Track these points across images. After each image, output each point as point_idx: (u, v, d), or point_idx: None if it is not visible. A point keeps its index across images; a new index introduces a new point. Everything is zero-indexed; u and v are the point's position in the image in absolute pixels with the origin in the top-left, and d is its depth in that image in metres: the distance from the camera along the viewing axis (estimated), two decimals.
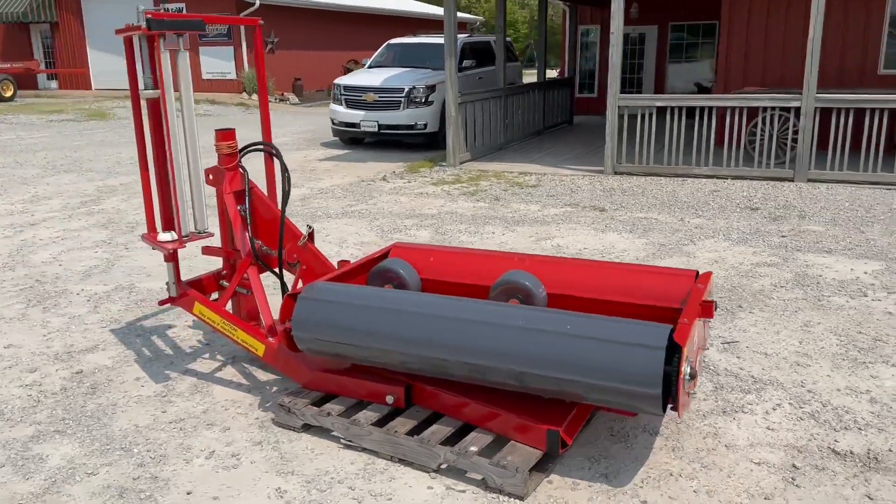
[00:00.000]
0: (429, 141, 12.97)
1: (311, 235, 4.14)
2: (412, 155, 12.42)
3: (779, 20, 11.57)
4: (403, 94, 12.67)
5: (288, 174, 3.84)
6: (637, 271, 3.68)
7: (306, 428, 3.49)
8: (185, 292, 3.91)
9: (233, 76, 24.01)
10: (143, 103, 3.74)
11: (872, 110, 8.92)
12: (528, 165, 11.04)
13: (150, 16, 3.39)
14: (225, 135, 3.91)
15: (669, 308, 3.47)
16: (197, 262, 5.76)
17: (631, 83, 18.82)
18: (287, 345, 3.44)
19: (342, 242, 6.90)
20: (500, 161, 11.45)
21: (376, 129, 12.89)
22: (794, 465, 3.16)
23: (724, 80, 12.03)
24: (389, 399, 3.42)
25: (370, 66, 14.49)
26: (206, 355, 4.41)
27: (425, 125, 12.75)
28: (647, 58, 18.58)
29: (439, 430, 3.23)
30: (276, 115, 19.43)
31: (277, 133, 15.26)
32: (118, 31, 3.65)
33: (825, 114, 9.23)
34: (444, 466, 3.14)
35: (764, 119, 9.51)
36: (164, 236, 3.73)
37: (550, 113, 15.30)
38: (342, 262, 3.97)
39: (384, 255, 4.10)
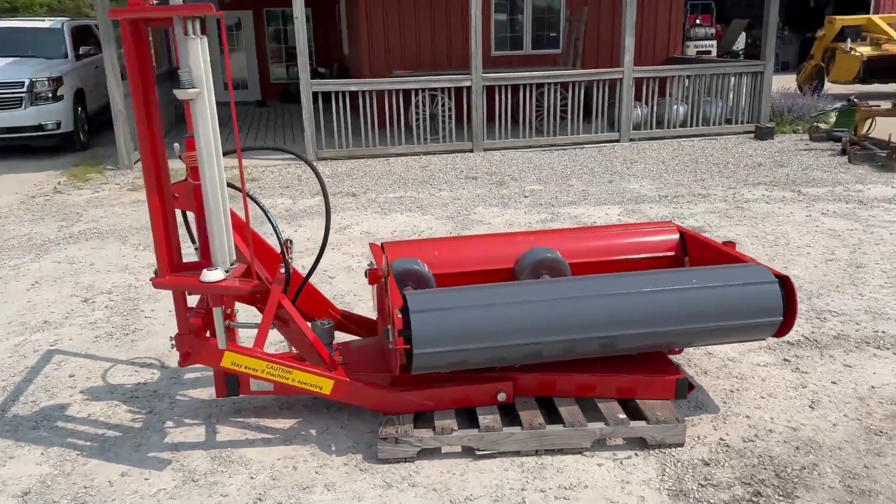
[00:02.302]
0: (63, 143, 10.98)
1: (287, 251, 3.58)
2: (52, 161, 10.40)
3: (409, 10, 12.71)
4: (25, 89, 10.45)
5: (323, 183, 3.25)
6: (628, 229, 4.10)
7: (419, 454, 3.13)
8: (210, 342, 3.04)
9: None
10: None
11: (525, 86, 10.62)
12: None
13: None
14: (192, 143, 3.13)
15: (668, 256, 4.01)
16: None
17: None
18: (401, 369, 3.01)
19: (126, 269, 5.74)
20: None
21: None
22: (785, 360, 4.02)
23: (370, 66, 12.78)
24: (501, 396, 3.28)
25: None
26: (169, 423, 3.46)
27: (58, 124, 10.73)
28: (246, 44, 18.34)
29: (573, 410, 3.26)
30: None
31: None
32: (118, 12, 2.60)
33: (489, 90, 10.64)
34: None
35: (420, 100, 10.51)
36: (212, 276, 2.81)
37: None
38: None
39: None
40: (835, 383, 3.75)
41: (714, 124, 11.40)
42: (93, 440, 3.31)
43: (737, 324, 3.24)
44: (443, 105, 10.54)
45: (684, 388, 3.37)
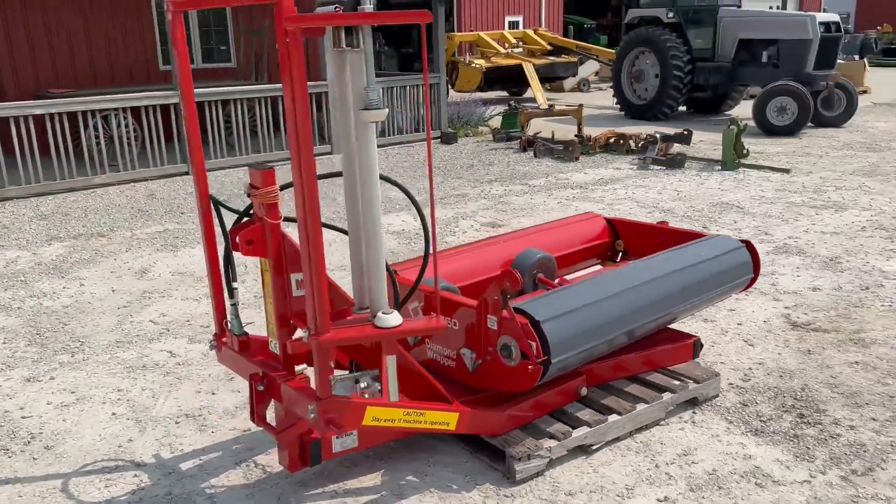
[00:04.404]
0: None
1: None
2: None
3: (61, 17, 10.96)
4: None
5: (420, 211, 2.82)
6: (571, 223, 4.41)
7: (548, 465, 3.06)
8: (353, 400, 2.48)
9: None
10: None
11: (238, 101, 10.02)
12: None
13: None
14: (269, 175, 2.64)
15: (604, 242, 4.45)
16: None
17: None
18: (535, 382, 2.89)
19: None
20: None
21: None
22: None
23: (17, 85, 10.69)
24: (583, 391, 3.34)
25: None
26: None
27: None
28: None
29: (641, 388, 3.48)
30: None
31: None
32: (300, 19, 1.95)
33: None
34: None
35: (98, 122, 9.25)
36: (392, 320, 2.26)
37: None
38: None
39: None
40: (740, 324, 4.61)
41: (406, 133, 12.20)
42: None
43: (727, 287, 3.83)
44: (126, 126, 9.29)
45: (699, 348, 3.85)
